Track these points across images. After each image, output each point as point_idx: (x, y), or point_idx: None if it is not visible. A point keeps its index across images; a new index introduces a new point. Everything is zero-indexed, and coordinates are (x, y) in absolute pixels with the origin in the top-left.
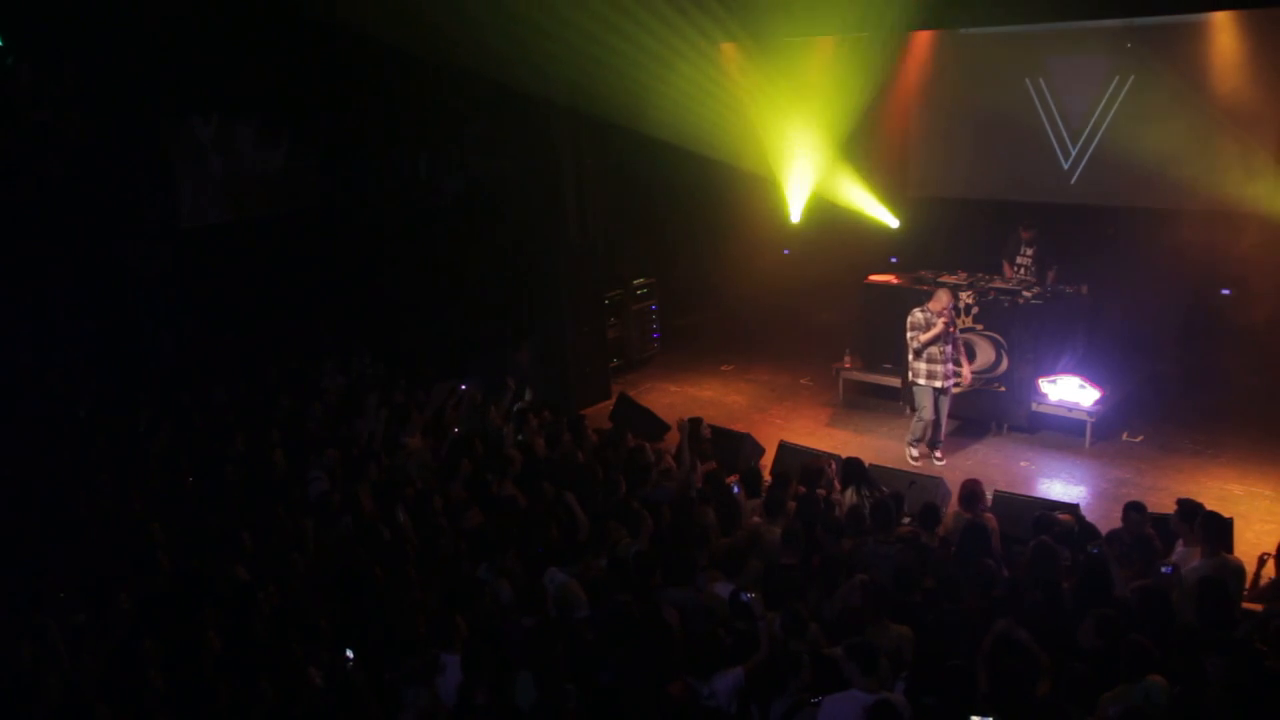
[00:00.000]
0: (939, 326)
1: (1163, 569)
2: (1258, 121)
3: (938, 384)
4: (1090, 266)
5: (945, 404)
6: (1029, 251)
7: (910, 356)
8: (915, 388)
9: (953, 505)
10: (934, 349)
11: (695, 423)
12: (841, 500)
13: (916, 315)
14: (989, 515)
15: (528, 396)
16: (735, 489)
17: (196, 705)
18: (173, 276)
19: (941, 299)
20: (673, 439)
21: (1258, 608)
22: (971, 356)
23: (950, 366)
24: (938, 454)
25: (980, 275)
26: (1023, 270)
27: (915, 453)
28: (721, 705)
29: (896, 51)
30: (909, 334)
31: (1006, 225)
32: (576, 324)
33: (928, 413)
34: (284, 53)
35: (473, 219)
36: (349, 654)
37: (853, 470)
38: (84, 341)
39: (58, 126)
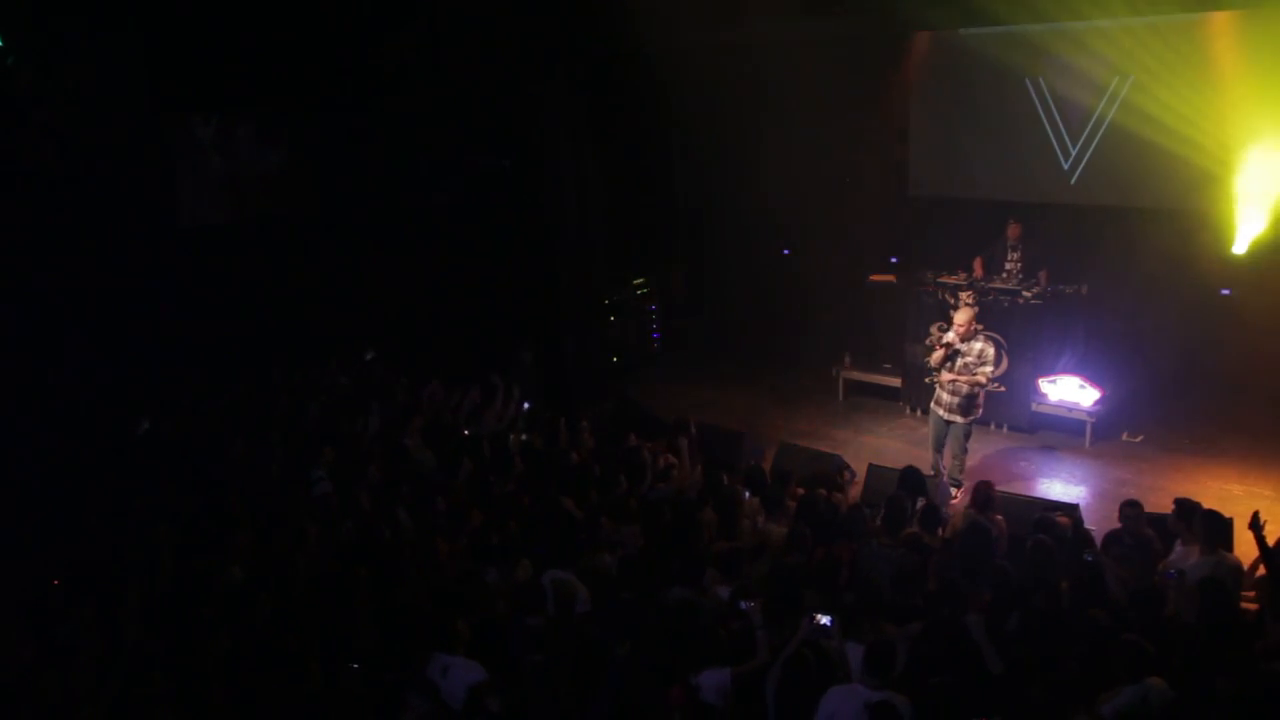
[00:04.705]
0: (940, 351)
1: (1167, 574)
2: (1258, 121)
3: (941, 411)
4: (1090, 266)
5: (951, 437)
6: (1015, 255)
7: None
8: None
9: (960, 505)
10: (943, 372)
11: (682, 425)
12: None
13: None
14: (998, 518)
15: (517, 396)
16: (747, 494)
17: (199, 705)
18: (173, 276)
19: (955, 317)
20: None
21: (1253, 607)
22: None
23: (948, 396)
24: (953, 492)
25: (980, 275)
26: (1010, 276)
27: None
28: (707, 701)
29: (896, 51)
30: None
31: (1006, 225)
32: (576, 324)
33: (931, 440)
34: (284, 52)
35: (472, 219)
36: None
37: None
38: (83, 341)
39: (58, 126)
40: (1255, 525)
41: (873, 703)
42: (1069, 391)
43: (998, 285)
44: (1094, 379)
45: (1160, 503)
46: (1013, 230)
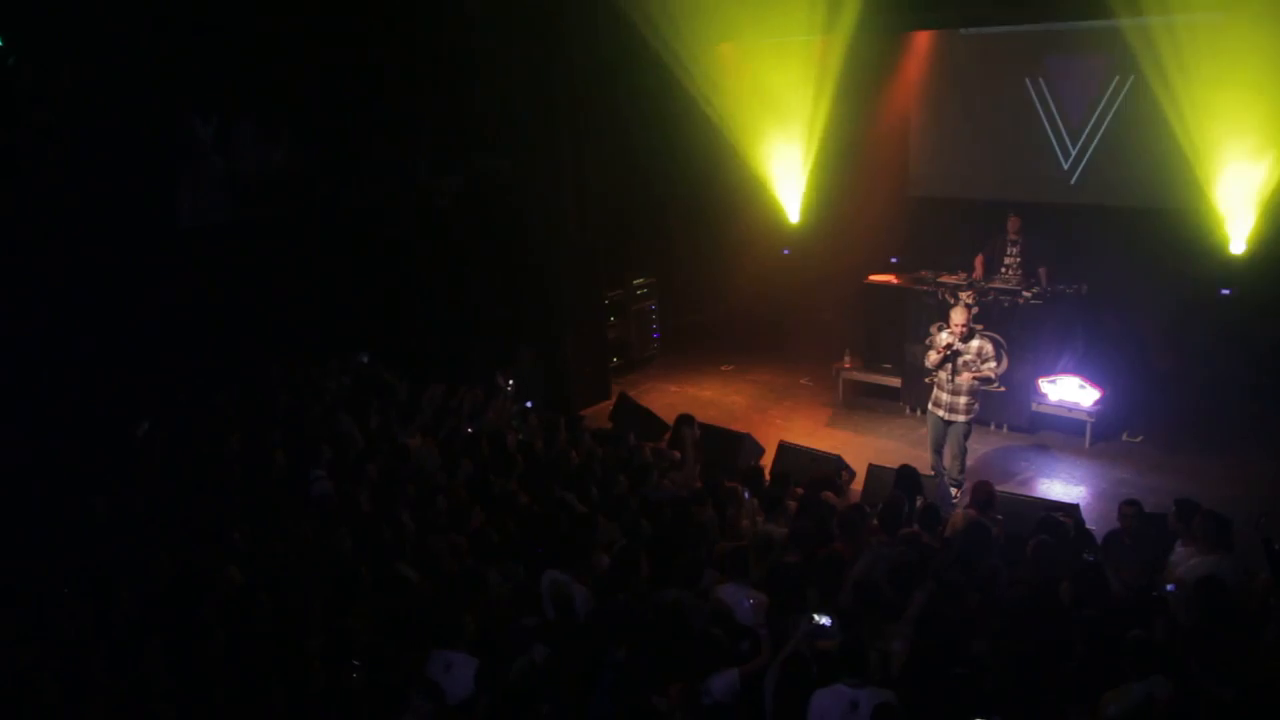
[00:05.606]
0: (940, 351)
1: (1167, 587)
2: (1258, 121)
3: (940, 412)
4: (1090, 266)
5: (950, 437)
6: (1014, 250)
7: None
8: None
9: (960, 505)
10: (940, 373)
11: (686, 420)
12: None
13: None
14: (998, 518)
15: (517, 392)
16: (746, 494)
17: (198, 704)
18: (173, 276)
19: (951, 316)
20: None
21: (1254, 607)
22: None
23: (948, 396)
24: (954, 492)
25: (980, 274)
26: (1010, 271)
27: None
28: (719, 703)
29: (896, 51)
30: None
31: (1005, 219)
32: (576, 324)
33: (930, 441)
34: (284, 52)
35: (473, 218)
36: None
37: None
38: (84, 341)
39: (58, 126)
40: (1262, 525)
41: (858, 702)
42: (1069, 391)
43: (998, 285)
44: (1094, 379)
45: (1160, 503)
46: (1012, 223)
